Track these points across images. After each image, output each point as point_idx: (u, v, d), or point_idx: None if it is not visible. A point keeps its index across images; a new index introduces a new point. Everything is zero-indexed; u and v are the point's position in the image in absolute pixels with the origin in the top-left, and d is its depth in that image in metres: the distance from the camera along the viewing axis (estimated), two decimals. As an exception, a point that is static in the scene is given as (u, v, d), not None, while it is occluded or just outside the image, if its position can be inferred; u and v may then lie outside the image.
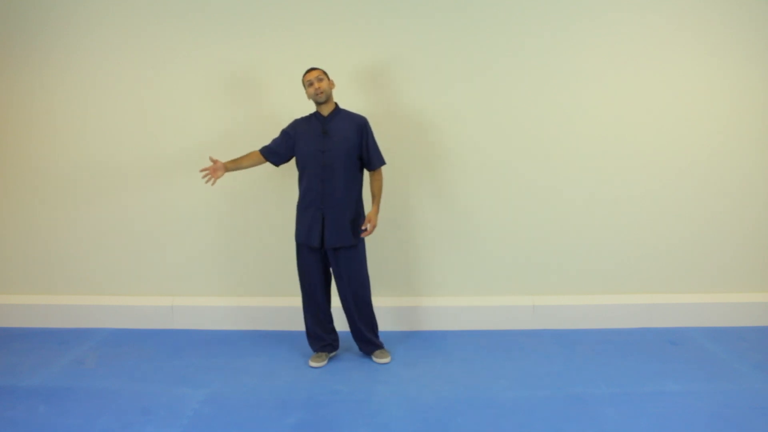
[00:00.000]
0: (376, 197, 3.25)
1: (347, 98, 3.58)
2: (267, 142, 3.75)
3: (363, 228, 3.15)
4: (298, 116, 3.31)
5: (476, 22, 3.71)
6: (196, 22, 3.71)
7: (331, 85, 3.18)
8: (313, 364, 3.22)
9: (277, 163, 3.26)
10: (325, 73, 3.15)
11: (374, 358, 3.27)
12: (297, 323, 3.71)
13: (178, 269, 3.85)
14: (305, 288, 3.27)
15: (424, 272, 3.84)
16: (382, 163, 3.26)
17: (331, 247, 3.13)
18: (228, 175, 3.78)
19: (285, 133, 3.24)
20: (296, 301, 3.74)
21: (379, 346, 3.33)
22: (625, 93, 3.75)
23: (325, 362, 3.25)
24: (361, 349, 3.35)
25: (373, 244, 3.73)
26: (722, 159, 3.79)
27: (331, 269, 3.27)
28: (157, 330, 3.76)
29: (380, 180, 3.27)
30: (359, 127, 3.18)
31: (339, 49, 3.69)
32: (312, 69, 3.15)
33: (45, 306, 3.82)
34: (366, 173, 3.37)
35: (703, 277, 3.85)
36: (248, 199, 3.80)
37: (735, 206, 3.81)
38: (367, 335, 3.29)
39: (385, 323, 3.72)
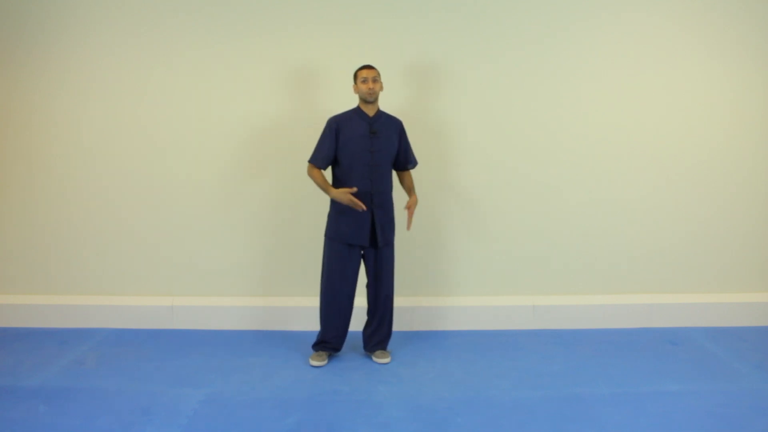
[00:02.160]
0: (413, 189, 3.33)
1: (345, 98, 3.58)
2: (268, 141, 3.77)
3: (407, 207, 3.23)
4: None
5: (476, 23, 3.71)
6: (195, 22, 3.71)
7: (382, 87, 3.20)
8: (313, 363, 3.21)
9: (325, 168, 3.20)
10: (379, 75, 3.18)
11: (374, 358, 3.27)
12: (297, 323, 3.72)
13: (179, 269, 3.84)
14: (334, 288, 3.20)
15: (424, 272, 3.84)
16: (416, 163, 3.37)
17: (383, 244, 3.18)
18: (228, 175, 3.79)
19: (329, 135, 3.15)
20: (296, 300, 3.75)
21: (387, 343, 3.34)
22: (626, 94, 3.75)
23: (325, 362, 3.24)
24: (368, 347, 3.32)
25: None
26: (722, 159, 3.79)
27: (366, 269, 3.28)
28: (157, 330, 3.76)
29: (411, 176, 3.38)
30: (398, 129, 3.27)
31: (333, 49, 3.69)
32: (370, 67, 3.16)
33: (45, 306, 3.82)
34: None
35: (703, 277, 3.85)
36: (249, 199, 3.79)
37: (735, 206, 3.82)
38: (388, 333, 3.32)
39: (385, 323, 3.73)
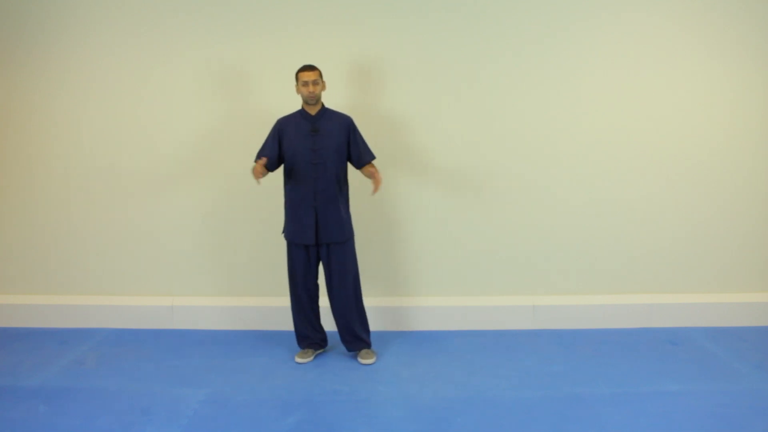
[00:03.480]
0: (372, 171, 3.19)
1: (344, 97, 3.58)
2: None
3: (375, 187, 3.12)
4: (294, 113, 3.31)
5: (474, 23, 3.71)
6: (195, 22, 3.71)
7: (324, 87, 3.21)
8: (299, 360, 3.25)
9: (272, 169, 3.21)
10: (320, 75, 3.17)
11: (360, 359, 3.26)
12: (297, 323, 3.71)
13: (178, 269, 3.85)
14: (295, 286, 3.28)
15: (425, 272, 3.84)
16: (373, 157, 3.28)
17: (326, 242, 3.17)
18: (227, 175, 3.79)
19: (272, 135, 3.22)
20: (296, 301, 3.74)
21: (368, 344, 3.33)
22: (626, 94, 3.75)
23: (311, 358, 3.28)
24: (348, 347, 3.32)
25: (373, 244, 3.73)
26: (722, 159, 3.79)
27: (322, 268, 3.28)
28: (157, 330, 3.76)
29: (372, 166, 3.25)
30: (346, 126, 3.22)
31: (333, 49, 3.69)
32: (309, 69, 3.14)
33: (45, 306, 3.82)
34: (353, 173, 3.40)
35: (703, 277, 3.85)
36: (248, 199, 3.79)
37: (735, 206, 3.81)
38: (359, 332, 3.29)
39: (385, 323, 3.72)
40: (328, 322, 3.45)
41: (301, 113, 3.23)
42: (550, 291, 3.85)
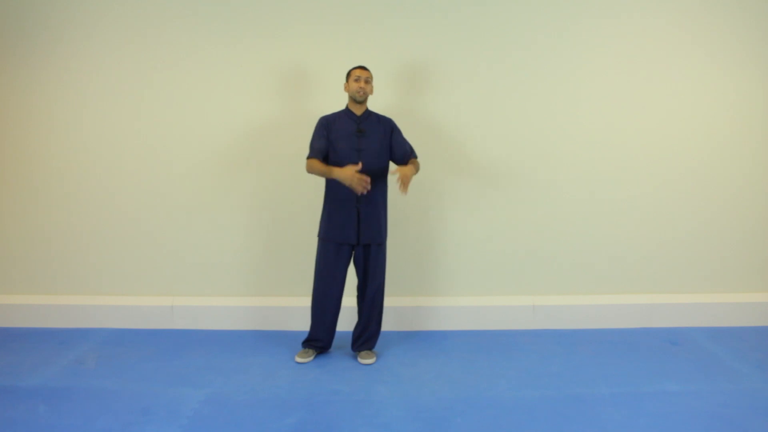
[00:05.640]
0: (412, 166, 3.16)
1: (344, 97, 3.56)
2: (267, 140, 3.77)
3: (398, 180, 3.04)
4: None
5: (476, 23, 3.71)
6: (195, 22, 3.71)
7: (371, 91, 3.22)
8: (299, 360, 3.25)
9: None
10: (371, 77, 3.20)
11: (359, 359, 3.26)
12: (297, 323, 3.72)
13: (178, 269, 3.85)
14: (323, 286, 3.23)
15: (425, 272, 3.84)
16: (415, 156, 3.30)
17: (367, 242, 3.17)
18: (229, 175, 3.79)
19: (321, 133, 3.19)
20: (296, 300, 3.75)
21: (374, 344, 3.34)
22: (627, 94, 3.76)
23: (311, 358, 3.28)
24: (355, 346, 3.34)
25: (373, 244, 3.73)
26: (722, 159, 3.79)
27: (354, 268, 3.29)
28: (157, 330, 3.76)
29: (417, 166, 3.26)
30: (389, 128, 3.25)
31: (332, 48, 3.69)
32: (365, 68, 3.18)
33: (45, 306, 3.82)
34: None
35: (703, 277, 3.85)
36: (248, 199, 3.79)
37: (735, 207, 3.82)
38: (374, 332, 3.32)
39: (385, 323, 3.72)
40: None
41: (347, 113, 3.22)
42: (550, 291, 3.85)
